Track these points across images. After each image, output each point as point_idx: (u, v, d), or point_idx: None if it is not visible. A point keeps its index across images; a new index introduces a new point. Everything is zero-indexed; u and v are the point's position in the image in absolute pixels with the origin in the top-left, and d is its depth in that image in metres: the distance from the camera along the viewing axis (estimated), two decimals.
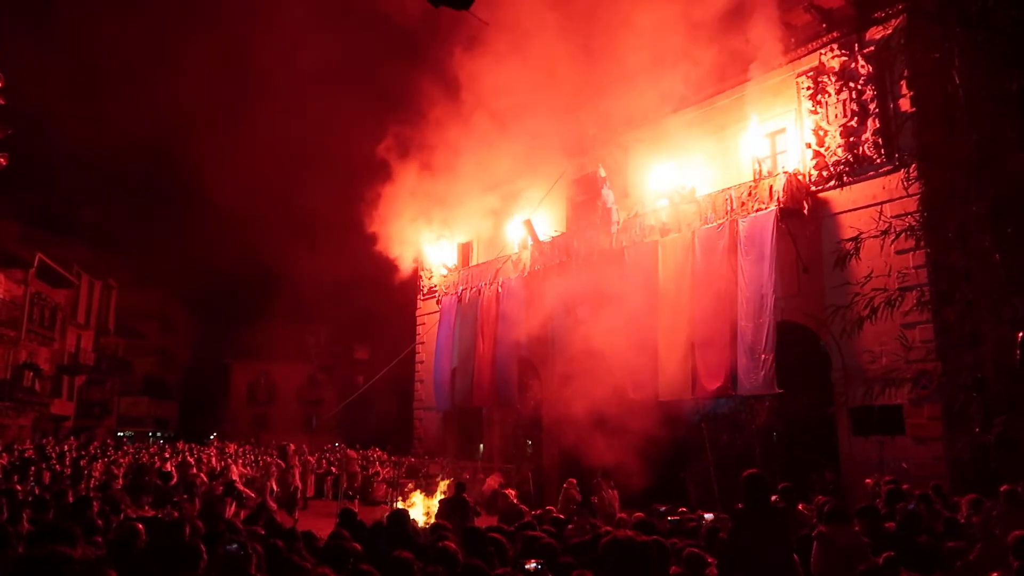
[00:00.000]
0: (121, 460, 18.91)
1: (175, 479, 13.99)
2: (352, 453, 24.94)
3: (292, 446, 20.37)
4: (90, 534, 6.30)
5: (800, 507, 8.70)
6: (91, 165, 64.75)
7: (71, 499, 8.82)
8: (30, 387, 31.02)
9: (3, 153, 10.26)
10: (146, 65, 60.87)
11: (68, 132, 50.82)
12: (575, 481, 13.81)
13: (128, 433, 42.72)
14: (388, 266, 24.59)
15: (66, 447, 21.54)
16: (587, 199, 20.76)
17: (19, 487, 11.71)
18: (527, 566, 4.76)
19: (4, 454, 17.09)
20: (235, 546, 4.62)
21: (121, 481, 15.08)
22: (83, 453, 20.29)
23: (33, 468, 15.44)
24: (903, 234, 11.11)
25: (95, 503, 8.21)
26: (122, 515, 8.51)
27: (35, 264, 30.71)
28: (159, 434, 45.77)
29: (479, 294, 22.61)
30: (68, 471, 16.40)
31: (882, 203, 13.69)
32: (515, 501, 11.02)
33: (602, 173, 19.49)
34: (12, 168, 10.42)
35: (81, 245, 39.71)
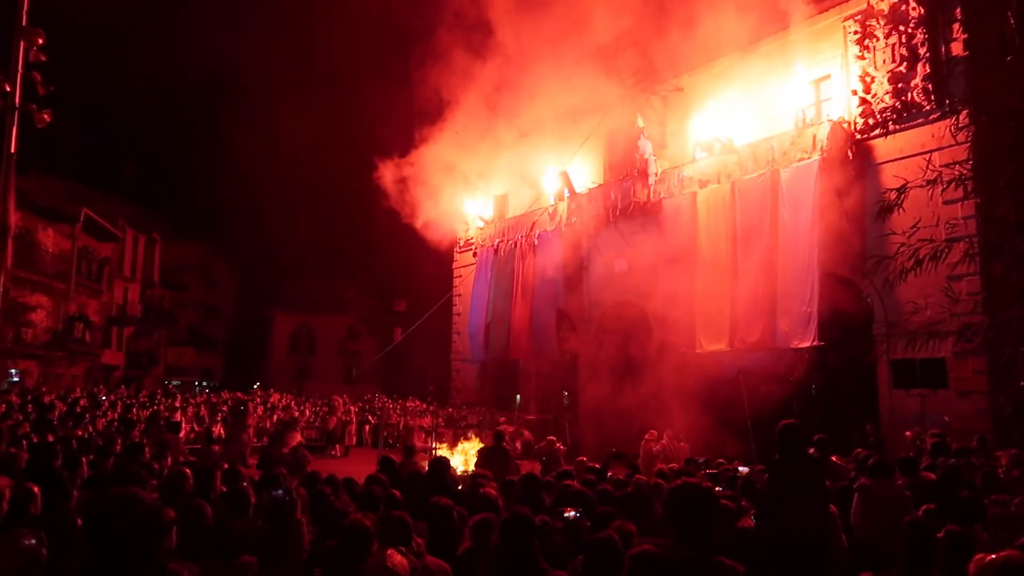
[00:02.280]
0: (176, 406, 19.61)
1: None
2: (390, 403, 25.41)
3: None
4: None
5: (834, 459, 8.68)
6: (132, 119, 65.45)
7: (119, 447, 9.13)
8: (81, 338, 32.01)
9: (46, 110, 10.39)
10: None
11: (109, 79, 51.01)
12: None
13: (176, 382, 44.00)
14: (425, 218, 24.59)
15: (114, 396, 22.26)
16: (625, 150, 20.49)
17: (79, 432, 12.16)
18: (566, 514, 4.84)
19: (59, 402, 17.71)
20: (280, 491, 4.77)
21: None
22: (133, 401, 20.93)
23: (88, 415, 15.99)
24: (952, 184, 10.76)
25: (146, 449, 8.52)
26: (169, 460, 8.83)
27: (81, 219, 31.37)
28: (205, 383, 47.03)
29: (515, 246, 22.59)
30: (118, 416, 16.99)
31: (930, 152, 13.12)
32: (560, 447, 11.43)
33: (640, 123, 19.18)
34: (54, 124, 10.58)
35: (123, 200, 40.42)
